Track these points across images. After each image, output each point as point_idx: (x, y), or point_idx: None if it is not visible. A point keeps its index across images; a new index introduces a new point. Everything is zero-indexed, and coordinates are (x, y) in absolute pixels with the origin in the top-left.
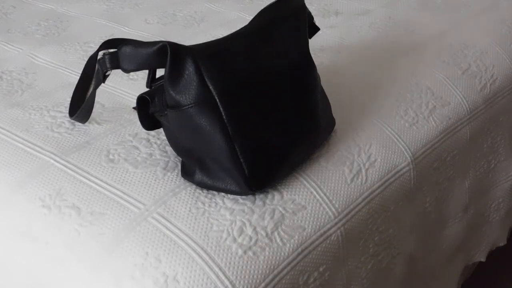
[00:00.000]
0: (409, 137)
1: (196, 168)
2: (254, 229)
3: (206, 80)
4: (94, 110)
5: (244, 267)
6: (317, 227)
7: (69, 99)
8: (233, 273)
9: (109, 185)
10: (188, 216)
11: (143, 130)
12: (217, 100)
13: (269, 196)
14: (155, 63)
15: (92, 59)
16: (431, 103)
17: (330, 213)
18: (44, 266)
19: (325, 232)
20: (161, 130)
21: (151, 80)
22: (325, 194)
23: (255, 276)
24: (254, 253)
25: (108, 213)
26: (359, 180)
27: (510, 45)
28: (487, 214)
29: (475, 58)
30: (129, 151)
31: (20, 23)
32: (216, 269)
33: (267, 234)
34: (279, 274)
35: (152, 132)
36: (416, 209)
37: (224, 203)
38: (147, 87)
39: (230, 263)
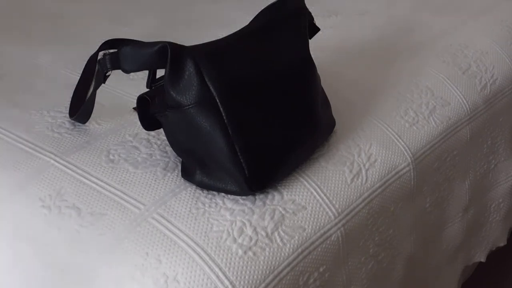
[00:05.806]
0: (409, 137)
1: (196, 168)
2: (254, 229)
3: (206, 80)
4: (94, 110)
5: (244, 267)
6: (317, 227)
7: (69, 99)
8: (233, 273)
9: (109, 185)
10: (188, 216)
11: (143, 130)
12: (218, 100)
13: (269, 196)
14: (156, 63)
15: (92, 60)
16: (431, 103)
17: (330, 214)
18: (44, 267)
19: (325, 233)
20: (161, 130)
21: (151, 80)
22: (325, 195)
23: (255, 277)
24: (254, 254)
25: (108, 214)
26: (359, 180)
27: (510, 45)
28: (487, 215)
29: (475, 58)
30: (129, 152)
31: (20, 23)
32: (216, 270)
33: (267, 235)
34: (279, 275)
35: (152, 133)
36: (416, 209)
37: (224, 203)
38: (147, 87)
39: (230, 264)
